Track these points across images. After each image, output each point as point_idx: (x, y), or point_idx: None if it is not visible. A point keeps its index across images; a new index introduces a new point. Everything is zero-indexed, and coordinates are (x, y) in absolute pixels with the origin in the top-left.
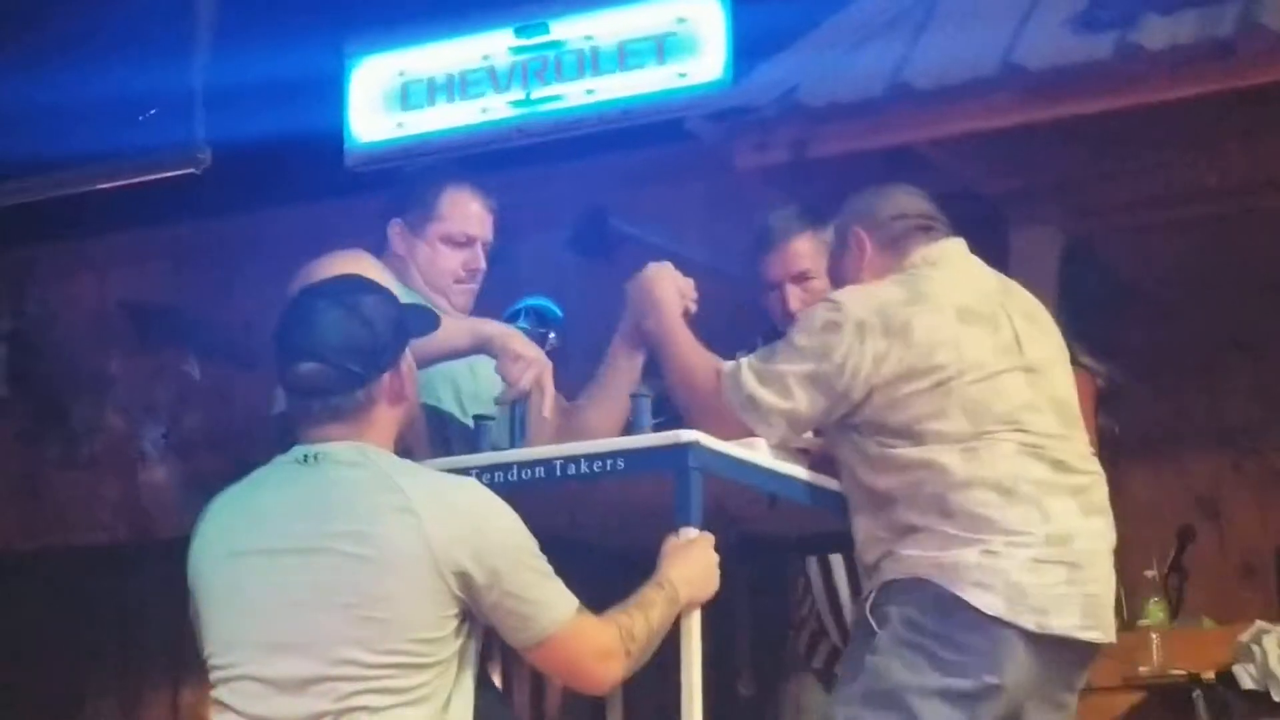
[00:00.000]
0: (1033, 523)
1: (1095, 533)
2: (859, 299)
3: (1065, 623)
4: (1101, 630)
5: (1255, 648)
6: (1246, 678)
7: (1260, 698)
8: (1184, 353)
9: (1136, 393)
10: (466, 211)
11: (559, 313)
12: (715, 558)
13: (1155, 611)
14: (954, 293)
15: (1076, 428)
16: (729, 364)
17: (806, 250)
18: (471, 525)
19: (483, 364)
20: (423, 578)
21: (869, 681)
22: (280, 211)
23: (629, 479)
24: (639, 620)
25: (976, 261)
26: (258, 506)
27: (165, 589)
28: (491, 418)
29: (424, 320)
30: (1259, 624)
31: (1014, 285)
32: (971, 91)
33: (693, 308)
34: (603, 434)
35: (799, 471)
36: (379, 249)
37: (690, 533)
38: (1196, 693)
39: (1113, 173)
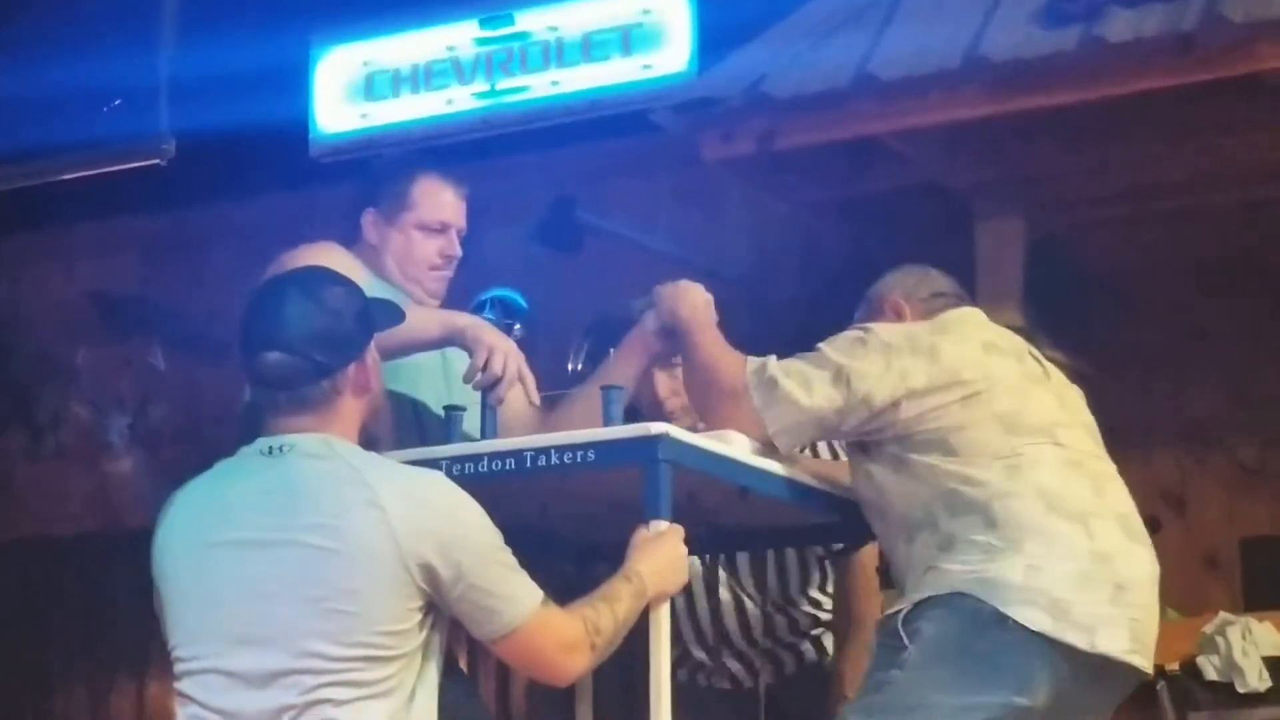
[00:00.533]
0: (1077, 537)
1: (1140, 558)
2: (887, 327)
3: (1112, 644)
4: (1145, 658)
5: (1219, 639)
6: (1210, 669)
7: (1224, 689)
8: (1149, 346)
9: (1102, 386)
10: (440, 199)
11: (524, 304)
12: (684, 550)
13: None
14: (978, 331)
15: (1104, 451)
16: (756, 358)
17: (662, 383)
18: (437, 519)
19: (456, 356)
20: (389, 571)
21: (893, 695)
22: (246, 202)
23: (599, 471)
24: (605, 613)
25: (996, 324)
26: (224, 498)
27: (133, 580)
28: (463, 408)
29: (388, 313)
30: (1223, 615)
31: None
32: (937, 84)
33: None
34: (584, 426)
35: (770, 464)
36: (346, 239)
37: (660, 525)
38: (1161, 684)
39: (1078, 166)
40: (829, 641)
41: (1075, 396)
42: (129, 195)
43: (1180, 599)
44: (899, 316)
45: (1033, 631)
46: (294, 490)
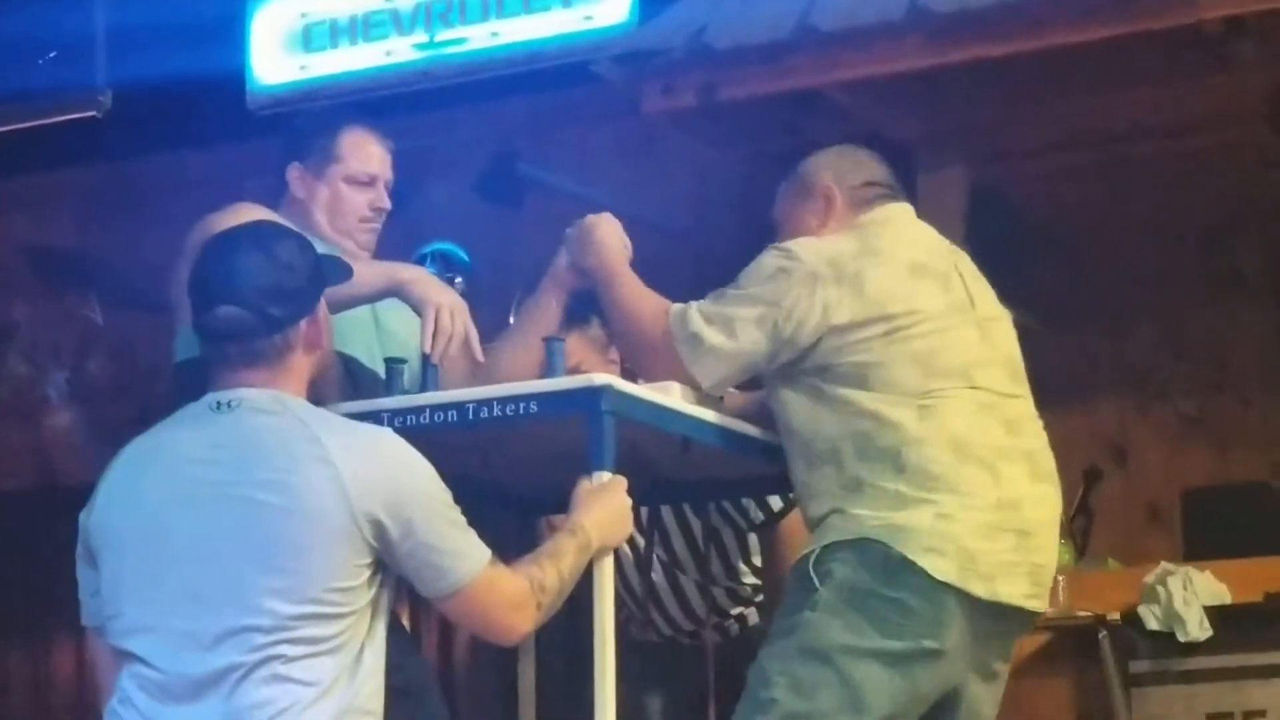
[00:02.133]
0: (984, 486)
1: (1044, 500)
2: (811, 249)
3: (1013, 591)
4: (1042, 600)
5: (1160, 589)
6: (1151, 618)
7: (1165, 638)
8: (1091, 297)
9: (1044, 336)
10: (368, 151)
11: (466, 258)
12: (628, 501)
13: (1061, 553)
14: (906, 249)
15: (1025, 386)
16: (677, 305)
17: (577, 348)
18: (387, 476)
19: (386, 310)
20: (339, 528)
21: (805, 637)
22: (184, 155)
23: (542, 422)
24: (550, 571)
25: (924, 224)
26: (172, 453)
27: (72, 536)
28: (404, 361)
29: (338, 270)
30: (1164, 565)
31: (959, 250)
32: (879, 34)
33: (629, 258)
34: (518, 377)
35: (712, 415)
36: (274, 195)
37: (603, 476)
38: (1102, 633)
39: (1020, 117)
40: None
41: (1000, 327)
42: (65, 148)
43: (1121, 549)
44: (828, 204)
45: (938, 579)
46: (244, 445)
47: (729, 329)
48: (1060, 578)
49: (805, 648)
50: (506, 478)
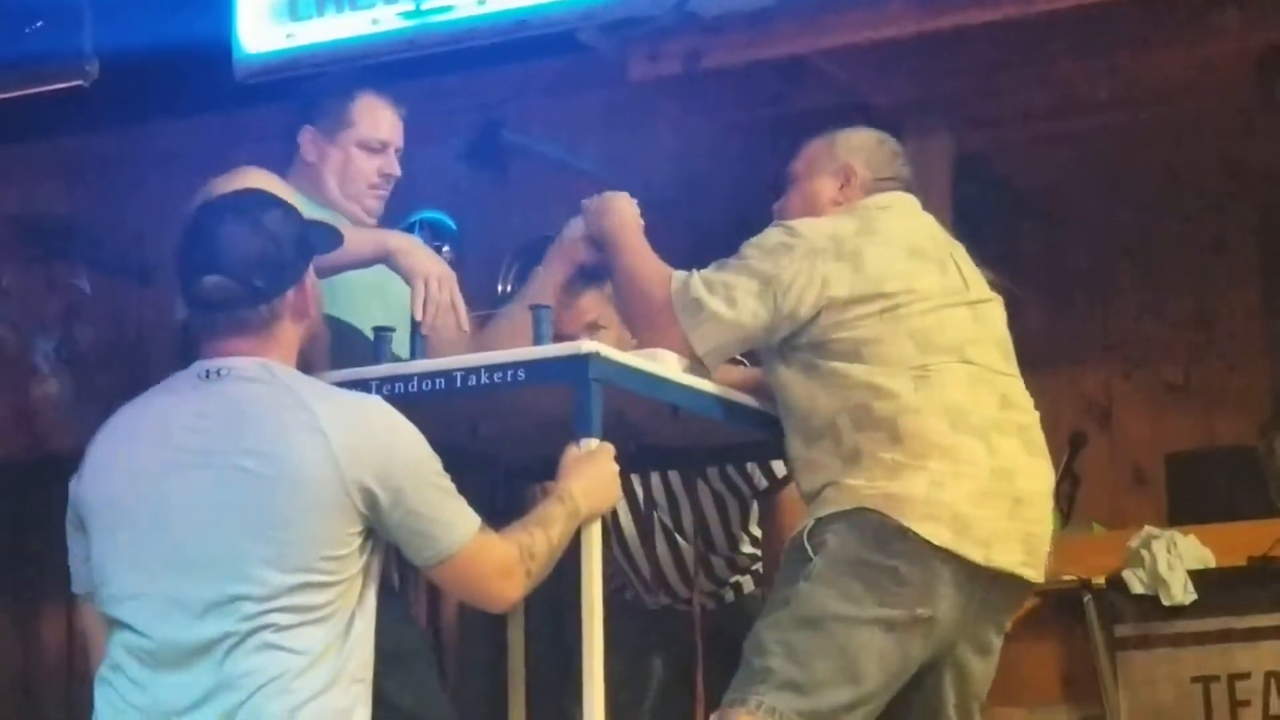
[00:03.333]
0: (979, 454)
1: (1038, 473)
2: (813, 226)
3: (1008, 558)
4: (1037, 570)
5: (1144, 553)
6: (1136, 582)
7: (1149, 601)
8: (1076, 263)
9: (1029, 302)
10: (380, 117)
11: (453, 226)
12: (615, 468)
13: None
14: (904, 232)
15: (1015, 367)
16: (680, 272)
17: (594, 303)
18: (378, 444)
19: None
20: (329, 496)
21: (801, 607)
22: (171, 124)
23: (530, 390)
24: (539, 538)
25: (926, 214)
26: (161, 421)
27: (61, 504)
28: (392, 329)
29: (327, 237)
30: (1148, 529)
31: (956, 242)
32: (864, 1)
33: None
34: (513, 345)
35: (701, 383)
36: (280, 160)
37: (590, 443)
38: (1087, 597)
39: (1005, 83)
40: None
41: (992, 309)
42: (52, 117)
43: (1106, 514)
44: (847, 182)
45: (934, 545)
46: (232, 414)
47: (730, 298)
48: None
49: (801, 617)
50: (495, 446)
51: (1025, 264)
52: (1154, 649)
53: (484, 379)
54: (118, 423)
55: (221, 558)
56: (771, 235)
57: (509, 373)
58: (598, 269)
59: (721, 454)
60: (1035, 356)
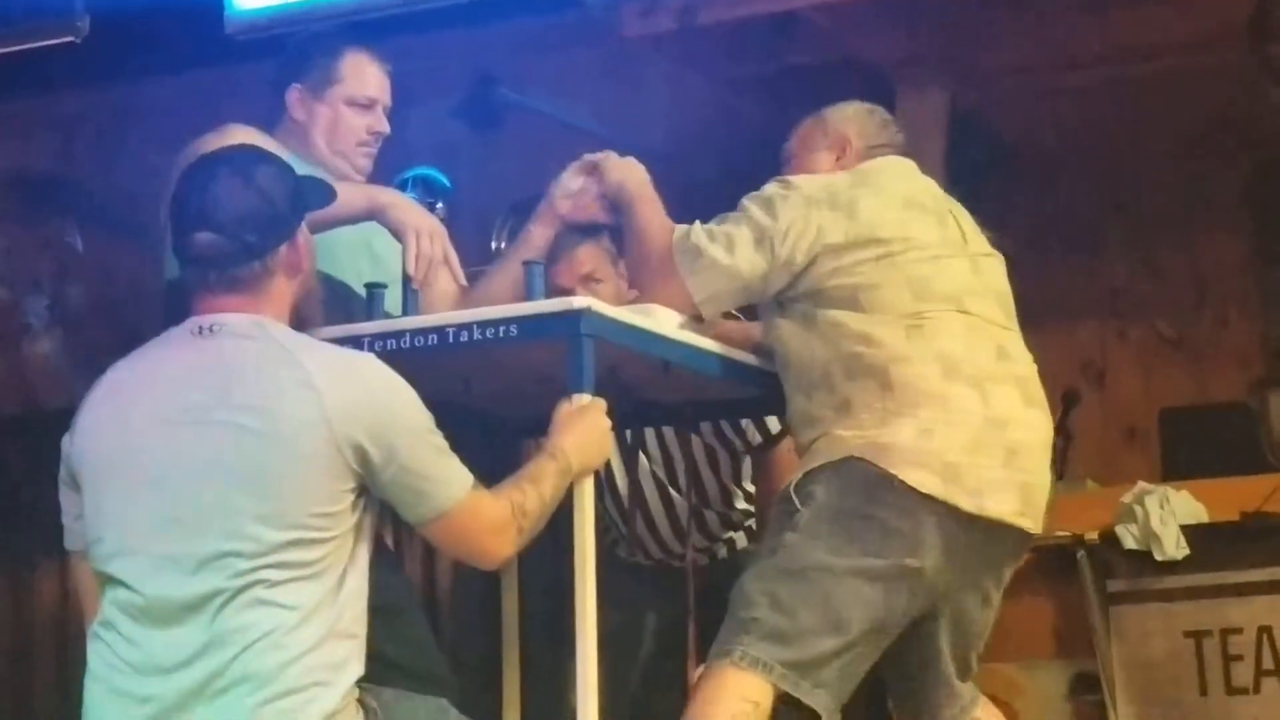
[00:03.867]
0: (972, 403)
1: (1034, 423)
2: (808, 179)
3: (1001, 507)
4: (1034, 520)
5: (1137, 508)
6: (1129, 538)
7: (1142, 557)
8: (1070, 219)
9: (1023, 258)
10: (367, 74)
11: (447, 182)
12: (607, 424)
13: None
14: (900, 186)
15: (1015, 323)
16: (682, 225)
17: (590, 256)
18: (370, 401)
19: (384, 234)
20: (321, 453)
21: (787, 558)
22: (163, 80)
23: (522, 346)
24: (531, 495)
25: (925, 176)
26: (154, 378)
27: (54, 461)
28: (384, 285)
29: (320, 193)
30: (1141, 485)
31: (956, 202)
32: None
33: None
34: (505, 301)
35: (692, 338)
36: (264, 117)
37: (582, 399)
38: (1080, 553)
39: (999, 39)
40: None
41: (992, 264)
42: (43, 74)
43: (1100, 470)
44: (843, 151)
45: (922, 494)
46: (225, 371)
47: (729, 246)
48: None
49: (786, 568)
50: (489, 402)
51: (1018, 220)
52: (1147, 604)
53: (476, 335)
54: (110, 380)
55: (213, 514)
56: (768, 189)
57: (501, 328)
58: (594, 223)
59: (715, 409)
60: (1028, 313)
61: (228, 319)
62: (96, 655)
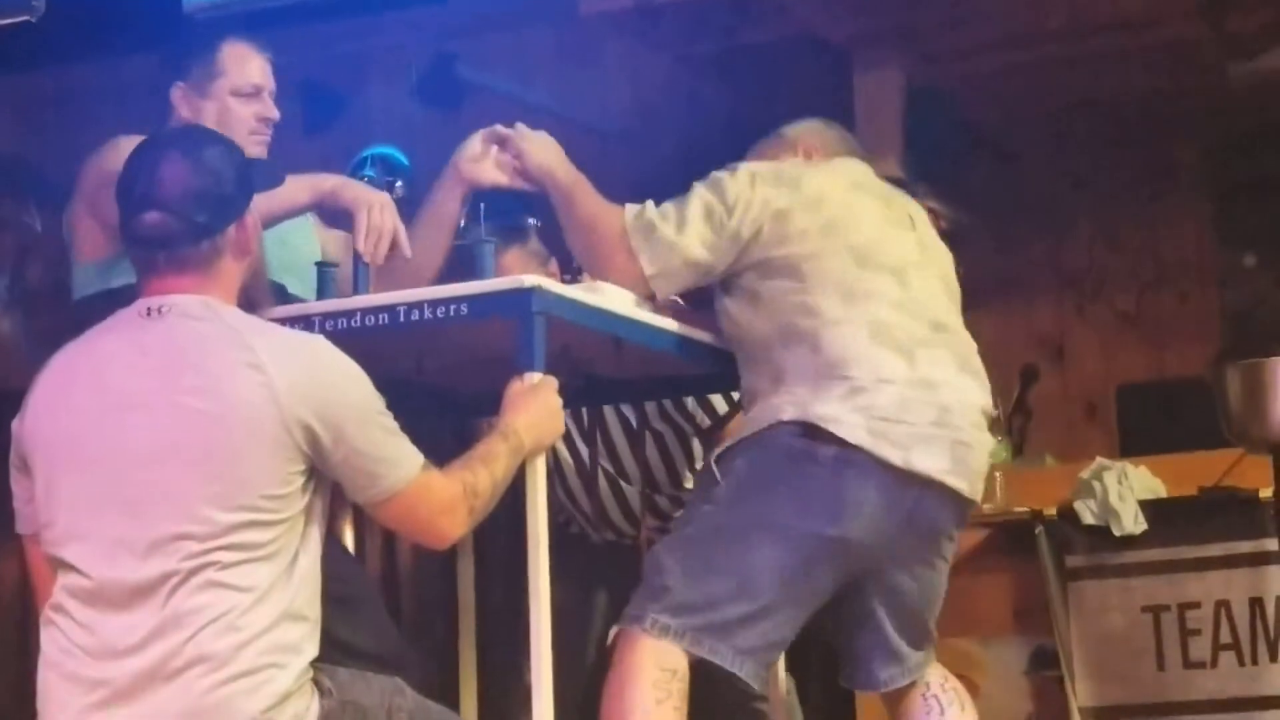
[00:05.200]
0: (899, 368)
1: (967, 388)
2: (754, 163)
3: (930, 463)
4: (969, 484)
5: (1096, 484)
6: (1087, 513)
7: (1100, 532)
8: (1028, 196)
9: (981, 235)
10: (250, 64)
11: (405, 161)
12: (559, 401)
13: (999, 450)
14: (848, 171)
15: (958, 308)
16: (635, 204)
17: (516, 261)
18: (319, 382)
19: (292, 231)
20: (271, 434)
21: (700, 527)
22: (121, 60)
23: (473, 324)
24: (483, 474)
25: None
26: (102, 360)
27: (8, 443)
28: (335, 264)
29: (267, 175)
30: (1100, 461)
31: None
32: None
33: None
34: (421, 278)
35: (644, 314)
36: (153, 121)
37: (534, 377)
38: (1039, 529)
39: (957, 16)
40: None
41: (941, 251)
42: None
43: (1059, 446)
44: (807, 157)
45: (846, 458)
46: (173, 352)
47: (680, 224)
48: (998, 474)
49: (698, 537)
50: (441, 380)
51: (977, 198)
52: (1105, 579)
53: (427, 314)
54: (59, 363)
55: (164, 497)
56: (716, 173)
57: (452, 307)
58: (519, 228)
59: (667, 387)
60: (987, 290)
61: (176, 300)
62: (49, 641)
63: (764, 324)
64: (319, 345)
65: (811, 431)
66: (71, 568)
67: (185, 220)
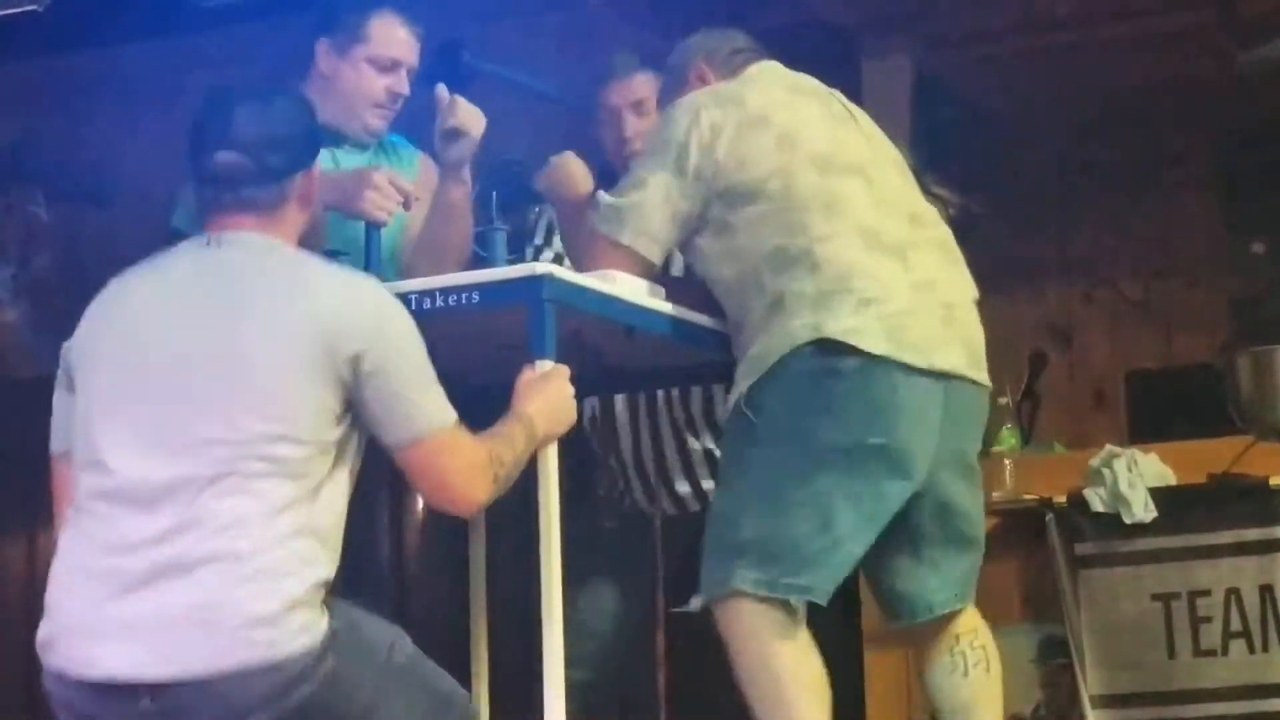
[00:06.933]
0: (898, 273)
1: (958, 283)
2: (688, 95)
3: (951, 360)
4: (983, 373)
5: (1105, 471)
6: (1097, 500)
7: (1110, 519)
8: (1036, 182)
9: (989, 222)
10: (395, 35)
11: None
12: (570, 390)
13: (1008, 438)
14: (782, 78)
15: (915, 185)
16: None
17: (645, 84)
18: (368, 318)
19: None
20: (315, 359)
21: (758, 474)
22: (129, 49)
23: (485, 312)
24: (505, 449)
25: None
26: (159, 279)
27: (20, 431)
28: (345, 253)
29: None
30: (1109, 448)
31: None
32: None
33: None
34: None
35: (656, 303)
36: (298, 69)
37: (546, 365)
38: (1049, 516)
39: (963, 2)
40: None
41: (881, 137)
42: (6, 42)
43: (1067, 433)
44: (704, 83)
45: (870, 369)
46: (228, 274)
47: (639, 186)
48: (1007, 462)
49: (758, 481)
50: (452, 369)
51: (985, 183)
52: (1115, 567)
53: (438, 301)
54: (115, 284)
55: (201, 401)
56: (655, 124)
57: (463, 295)
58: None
59: (680, 375)
60: (995, 276)
61: (237, 234)
62: (67, 537)
63: (748, 255)
64: (373, 284)
65: (831, 348)
66: (102, 466)
67: (257, 161)
